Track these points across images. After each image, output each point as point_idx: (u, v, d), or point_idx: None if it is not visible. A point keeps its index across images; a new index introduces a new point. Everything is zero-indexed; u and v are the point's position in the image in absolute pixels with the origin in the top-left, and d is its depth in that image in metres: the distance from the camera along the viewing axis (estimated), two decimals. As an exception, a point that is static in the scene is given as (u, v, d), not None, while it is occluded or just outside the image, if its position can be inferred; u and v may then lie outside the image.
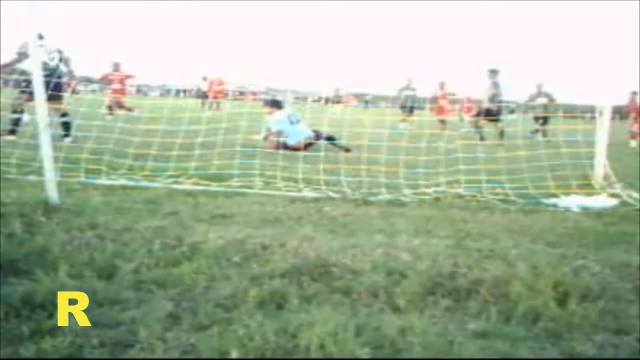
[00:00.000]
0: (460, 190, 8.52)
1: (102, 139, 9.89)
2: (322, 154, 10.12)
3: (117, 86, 24.25)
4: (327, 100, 31.86)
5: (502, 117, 20.17)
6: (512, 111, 24.77)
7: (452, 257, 4.71)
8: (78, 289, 3.71)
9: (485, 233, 6.04)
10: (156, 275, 4.19)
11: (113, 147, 9.61)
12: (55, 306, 3.46)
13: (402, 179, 8.82)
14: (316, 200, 7.73)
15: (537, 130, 21.49)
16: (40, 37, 14.53)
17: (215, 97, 33.09)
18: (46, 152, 6.45)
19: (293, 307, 3.74)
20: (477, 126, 19.82)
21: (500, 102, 20.23)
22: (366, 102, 36.14)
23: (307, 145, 13.80)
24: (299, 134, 14.28)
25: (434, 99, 28.36)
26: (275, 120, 14.67)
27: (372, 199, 7.93)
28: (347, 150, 12.73)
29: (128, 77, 26.09)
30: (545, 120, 22.17)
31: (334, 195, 8.02)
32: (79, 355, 2.97)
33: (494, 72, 21.06)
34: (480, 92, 21.38)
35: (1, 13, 13.17)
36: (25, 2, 6.47)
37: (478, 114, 20.65)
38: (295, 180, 8.65)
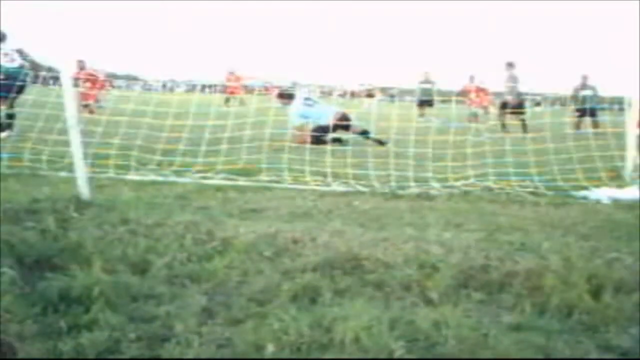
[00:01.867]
0: (490, 183, 8.49)
1: (131, 134, 9.94)
2: (349, 148, 10.11)
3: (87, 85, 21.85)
4: (353, 94, 31.80)
5: (526, 109, 20.05)
6: (538, 103, 24.61)
7: (483, 250, 4.69)
8: (113, 284, 3.74)
9: (516, 226, 6.01)
10: (189, 270, 4.22)
11: (141, 142, 9.67)
12: (91, 301, 3.50)
13: (431, 172, 8.81)
14: (345, 194, 7.74)
15: (578, 123, 21.30)
16: (4, 37, 14.69)
17: (232, 93, 33.08)
18: (76, 148, 6.50)
19: (326, 300, 3.75)
20: (500, 119, 19.76)
21: (519, 94, 20.16)
22: (392, 95, 36.00)
23: (340, 127, 13.65)
24: (324, 113, 14.19)
25: (464, 92, 28.18)
26: (294, 113, 14.56)
27: (401, 192, 7.92)
28: (382, 143, 12.69)
29: (92, 76, 23.62)
30: (593, 112, 21.75)
31: (363, 189, 8.03)
32: (116, 350, 2.99)
33: (510, 65, 20.96)
34: (498, 85, 21.36)
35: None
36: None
37: (502, 107, 20.55)
38: (324, 175, 8.65)
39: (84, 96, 21.62)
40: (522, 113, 19.53)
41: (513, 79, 20.62)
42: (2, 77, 13.27)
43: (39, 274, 4.04)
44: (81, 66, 23.35)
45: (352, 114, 14.35)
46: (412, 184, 8.33)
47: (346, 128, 13.89)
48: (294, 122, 14.30)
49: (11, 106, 13.55)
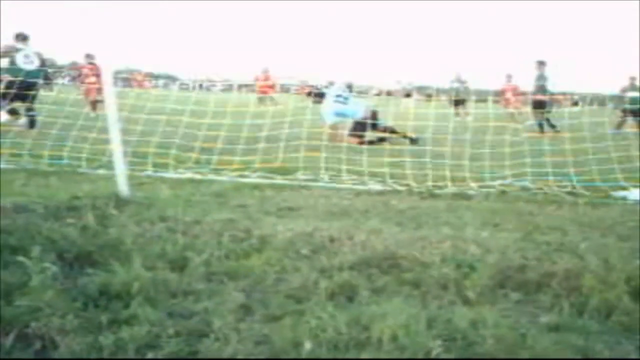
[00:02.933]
0: (527, 183, 8.44)
1: (169, 133, 10.02)
2: (386, 147, 10.10)
3: (92, 79, 20.90)
4: (389, 93, 31.74)
5: (549, 108, 19.89)
6: (575, 103, 24.36)
7: (521, 250, 4.68)
8: (152, 280, 3.79)
9: (553, 226, 5.97)
10: (227, 267, 4.25)
11: (180, 141, 9.74)
12: (131, 296, 3.54)
13: (468, 172, 8.78)
14: (381, 193, 7.75)
15: (621, 123, 21.01)
16: (24, 37, 14.99)
17: (263, 92, 33.16)
18: (116, 146, 6.58)
19: (363, 299, 3.76)
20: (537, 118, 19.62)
21: (551, 94, 20.00)
22: (429, 95, 35.85)
23: (374, 126, 13.64)
24: (359, 108, 14.18)
25: (501, 92, 27.94)
26: (327, 112, 14.56)
27: (437, 191, 7.91)
28: (413, 140, 12.66)
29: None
30: (637, 113, 21.38)
31: (399, 188, 8.03)
32: (156, 345, 3.02)
33: (541, 64, 20.80)
34: (528, 83, 21.25)
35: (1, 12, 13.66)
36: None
37: (535, 106, 20.38)
38: (360, 173, 8.66)
39: (88, 91, 20.98)
40: (544, 112, 19.40)
41: (542, 77, 20.46)
42: (20, 79, 13.65)
43: (80, 270, 4.10)
44: (90, 60, 21.96)
45: (390, 114, 14.32)
46: (449, 183, 8.30)
47: (374, 126, 13.87)
48: (328, 121, 14.28)
49: (30, 105, 13.97)
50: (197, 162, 9.14)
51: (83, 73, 22.82)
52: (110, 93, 6.62)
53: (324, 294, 3.78)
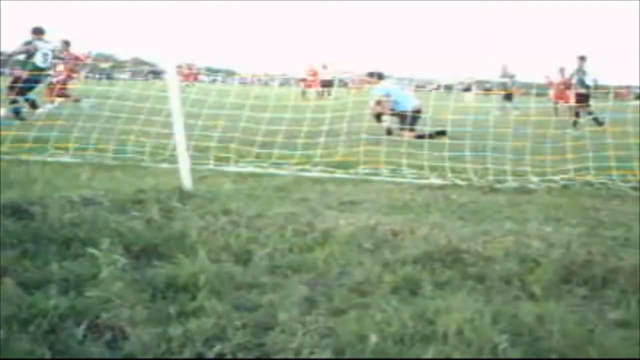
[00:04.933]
0: (590, 178, 8.32)
1: (230, 127, 10.10)
2: (447, 141, 10.05)
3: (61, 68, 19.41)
4: (448, 88, 31.46)
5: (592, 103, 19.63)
6: (638, 96, 23.92)
7: (585, 245, 4.63)
8: (217, 272, 3.84)
9: (618, 221, 5.90)
10: (290, 260, 4.28)
11: (240, 135, 9.82)
12: (197, 288, 3.59)
13: (529, 166, 8.69)
14: (442, 187, 7.73)
15: None
16: (41, 32, 15.36)
17: (309, 86, 33.23)
18: (180, 141, 6.65)
19: (427, 293, 3.75)
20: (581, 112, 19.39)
21: (589, 88, 19.75)
22: (488, 89, 35.43)
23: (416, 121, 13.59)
24: (408, 100, 14.15)
25: (553, 85, 27.43)
26: (380, 88, 14.56)
27: (498, 186, 7.86)
28: (442, 133, 12.53)
29: (77, 59, 20.46)
30: None
31: (460, 183, 7.99)
32: (223, 337, 3.06)
33: (582, 59, 20.51)
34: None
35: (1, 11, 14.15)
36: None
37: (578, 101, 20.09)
38: (421, 168, 8.64)
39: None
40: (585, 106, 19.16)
41: (582, 72, 20.21)
42: (30, 72, 14.17)
43: (146, 262, 4.18)
44: (65, 48, 19.80)
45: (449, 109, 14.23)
46: (510, 177, 8.23)
47: (414, 121, 13.76)
48: (374, 97, 14.42)
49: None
50: (258, 156, 9.20)
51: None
52: (174, 87, 6.70)
53: (387, 288, 3.78)
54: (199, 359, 2.91)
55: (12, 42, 16.57)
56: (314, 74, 35.53)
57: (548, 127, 11.04)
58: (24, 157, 8.75)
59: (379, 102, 14.16)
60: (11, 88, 14.84)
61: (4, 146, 9.22)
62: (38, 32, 15.51)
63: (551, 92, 26.48)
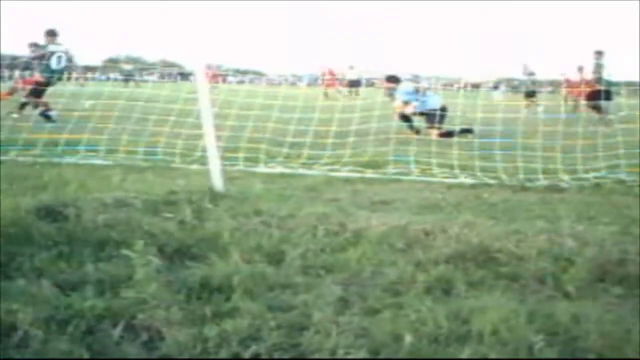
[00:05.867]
0: (622, 176, 8.25)
1: (259, 128, 10.13)
2: (476, 140, 10.02)
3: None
4: (475, 86, 31.31)
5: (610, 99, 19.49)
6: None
7: (619, 244, 4.59)
8: (250, 273, 3.85)
9: (652, 219, 5.83)
10: (323, 261, 4.29)
11: (270, 136, 9.85)
12: (231, 289, 3.62)
13: (560, 164, 8.64)
14: (473, 186, 7.71)
15: None
16: (54, 34, 15.51)
17: (328, 86, 33.32)
18: (210, 142, 6.68)
19: (460, 292, 3.75)
20: (594, 107, 19.25)
21: (608, 84, 19.59)
22: (515, 87, 35.25)
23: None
24: (432, 99, 14.11)
25: (572, 84, 27.15)
26: (403, 90, 14.52)
27: (529, 184, 7.82)
28: (468, 131, 12.48)
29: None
30: None
31: (491, 181, 7.95)
32: (258, 337, 3.07)
33: (599, 54, 20.34)
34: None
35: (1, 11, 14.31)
36: None
37: (590, 98, 19.92)
38: (451, 167, 8.62)
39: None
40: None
41: (599, 67, 20.06)
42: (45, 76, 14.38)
43: (180, 263, 4.22)
44: (33, 49, 17.43)
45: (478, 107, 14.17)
46: (541, 176, 8.18)
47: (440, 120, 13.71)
48: (399, 98, 14.35)
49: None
50: (288, 156, 9.23)
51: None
52: (203, 89, 6.73)
53: (421, 288, 3.79)
54: (235, 359, 2.93)
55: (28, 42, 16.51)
56: (331, 73, 35.65)
57: (578, 125, 10.94)
58: (56, 159, 8.84)
59: (406, 103, 14.11)
60: (32, 92, 14.99)
61: (39, 149, 9.32)
62: (52, 34, 15.67)
63: (564, 91, 26.27)
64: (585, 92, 21.72)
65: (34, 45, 16.54)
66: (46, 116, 14.58)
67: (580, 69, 26.56)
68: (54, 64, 15.30)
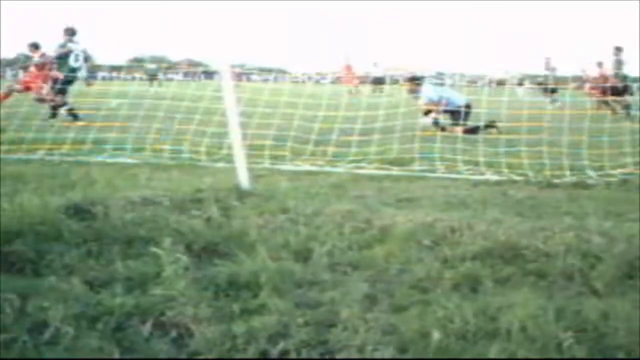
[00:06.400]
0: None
1: (284, 125, 10.16)
2: (502, 137, 9.98)
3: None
4: (500, 83, 31.13)
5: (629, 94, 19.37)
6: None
7: (648, 240, 4.55)
8: (278, 270, 3.87)
9: (681, 215, 5.78)
10: (350, 258, 4.31)
11: (295, 133, 9.87)
12: (259, 286, 3.63)
13: (586, 161, 8.59)
14: (499, 183, 7.69)
15: None
16: (73, 32, 15.60)
17: (346, 82, 33.33)
18: (236, 140, 6.70)
19: (488, 289, 3.75)
20: (606, 103, 19.13)
21: (625, 79, 19.47)
22: (540, 83, 34.95)
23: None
24: (457, 97, 14.08)
25: (594, 79, 26.87)
26: (429, 91, 14.48)
27: (556, 181, 7.77)
28: (491, 126, 12.42)
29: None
30: None
31: (517, 178, 7.93)
32: (286, 334, 3.09)
33: (618, 50, 20.19)
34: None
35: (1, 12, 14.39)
36: None
37: (604, 92, 19.77)
38: (476, 164, 8.59)
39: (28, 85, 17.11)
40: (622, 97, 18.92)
41: (619, 63, 19.90)
42: (64, 74, 14.50)
43: (207, 260, 4.24)
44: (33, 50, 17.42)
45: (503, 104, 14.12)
46: (567, 172, 8.14)
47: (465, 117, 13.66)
48: (424, 99, 14.35)
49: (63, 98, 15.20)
50: (313, 153, 9.24)
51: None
52: (228, 87, 6.75)
53: (448, 285, 3.79)
54: (263, 357, 2.95)
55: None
56: (348, 68, 35.65)
57: (604, 121, 10.87)
58: (84, 158, 8.92)
59: (436, 104, 14.07)
60: (52, 89, 15.14)
61: (65, 148, 9.40)
62: (70, 32, 15.78)
63: (587, 86, 26.02)
64: (607, 88, 21.61)
65: (33, 46, 16.67)
66: (74, 115, 14.71)
67: (600, 65, 26.31)
68: (72, 61, 15.44)
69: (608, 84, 19.54)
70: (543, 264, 4.17)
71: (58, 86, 15.01)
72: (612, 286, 3.80)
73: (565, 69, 28.07)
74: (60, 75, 15.25)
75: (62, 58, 15.57)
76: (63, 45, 15.66)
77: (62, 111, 15.10)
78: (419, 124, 11.30)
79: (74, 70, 15.54)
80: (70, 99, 15.42)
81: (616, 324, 3.14)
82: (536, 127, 10.59)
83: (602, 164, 8.56)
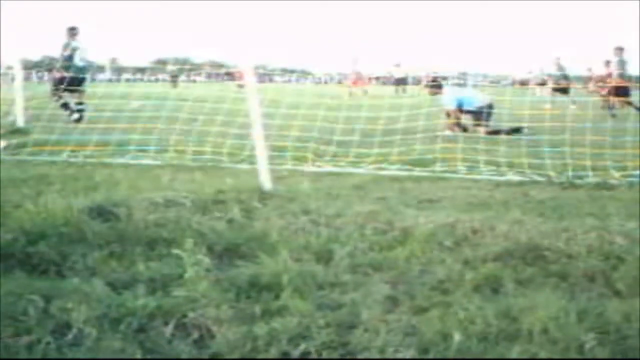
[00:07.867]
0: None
1: (306, 127, 10.17)
2: (524, 137, 9.94)
3: None
4: (522, 83, 31.01)
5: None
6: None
7: (671, 242, 4.52)
8: (299, 272, 3.88)
9: None
10: (371, 259, 4.31)
11: (317, 134, 9.88)
12: (280, 288, 3.64)
13: (609, 161, 8.53)
14: (521, 184, 7.65)
15: None
16: (75, 32, 15.62)
17: (354, 84, 33.34)
18: (259, 141, 6.74)
19: (509, 290, 3.74)
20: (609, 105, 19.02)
21: (630, 79, 19.35)
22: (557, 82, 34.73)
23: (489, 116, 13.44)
24: (478, 97, 14.02)
25: (595, 77, 26.66)
26: (451, 96, 14.44)
27: (578, 181, 7.72)
28: (517, 130, 12.36)
29: None
30: None
31: (539, 179, 7.89)
32: (307, 335, 3.10)
33: (620, 50, 20.06)
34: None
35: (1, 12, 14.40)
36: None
37: (608, 93, 19.64)
38: (498, 164, 8.55)
39: None
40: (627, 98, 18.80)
41: (622, 63, 19.78)
42: (71, 73, 14.49)
43: (229, 262, 4.27)
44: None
45: (525, 104, 14.05)
46: (590, 173, 8.08)
47: (487, 117, 13.60)
48: (449, 106, 14.18)
49: (80, 98, 15.14)
50: (335, 155, 9.24)
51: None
52: (252, 89, 6.78)
53: (469, 286, 3.78)
54: (284, 358, 2.96)
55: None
56: (356, 73, 35.67)
57: (628, 120, 10.80)
58: (106, 159, 8.99)
59: (460, 110, 14.01)
60: (56, 90, 15.16)
61: (89, 149, 9.46)
62: (72, 31, 15.83)
63: (591, 85, 25.85)
64: (614, 88, 21.46)
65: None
66: (80, 117, 14.73)
67: (607, 63, 26.08)
68: (77, 60, 15.50)
69: (614, 84, 19.45)
70: (565, 265, 4.15)
71: (64, 86, 14.98)
72: (634, 287, 3.77)
73: (574, 69, 27.77)
74: (65, 75, 15.26)
75: (67, 59, 15.61)
76: (67, 45, 15.70)
77: (58, 103, 15.11)
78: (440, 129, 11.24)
79: (80, 69, 15.54)
80: (84, 99, 15.39)
81: (638, 326, 3.13)
82: (558, 127, 10.52)
83: (625, 163, 8.49)
